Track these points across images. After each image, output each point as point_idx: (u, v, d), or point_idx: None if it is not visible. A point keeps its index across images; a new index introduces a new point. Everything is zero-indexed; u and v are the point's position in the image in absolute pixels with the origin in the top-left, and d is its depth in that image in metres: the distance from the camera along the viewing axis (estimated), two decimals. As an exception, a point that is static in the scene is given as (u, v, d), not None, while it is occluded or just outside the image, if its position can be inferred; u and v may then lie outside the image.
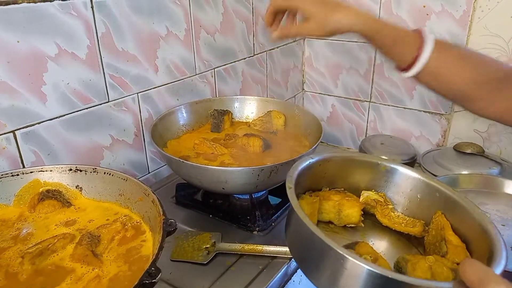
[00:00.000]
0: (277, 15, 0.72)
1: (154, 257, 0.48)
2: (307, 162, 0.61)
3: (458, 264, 0.51)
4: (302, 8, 0.66)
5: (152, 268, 0.46)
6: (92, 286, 0.50)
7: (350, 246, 0.58)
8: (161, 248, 0.50)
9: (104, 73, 0.83)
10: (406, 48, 0.67)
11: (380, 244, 0.63)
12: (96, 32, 0.80)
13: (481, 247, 0.52)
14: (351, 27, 0.65)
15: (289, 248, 0.56)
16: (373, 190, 0.66)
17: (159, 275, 0.46)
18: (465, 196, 0.60)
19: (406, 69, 0.68)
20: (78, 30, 0.77)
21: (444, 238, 0.55)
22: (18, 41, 0.69)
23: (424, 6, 1.24)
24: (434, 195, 0.62)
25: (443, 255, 0.54)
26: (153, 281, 0.45)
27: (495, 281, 0.36)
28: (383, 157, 0.70)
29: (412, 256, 0.54)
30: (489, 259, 0.48)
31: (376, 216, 0.66)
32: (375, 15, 0.69)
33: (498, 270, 0.45)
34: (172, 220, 0.54)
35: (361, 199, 0.65)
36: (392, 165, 0.66)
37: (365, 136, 1.48)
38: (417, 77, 0.69)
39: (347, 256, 0.44)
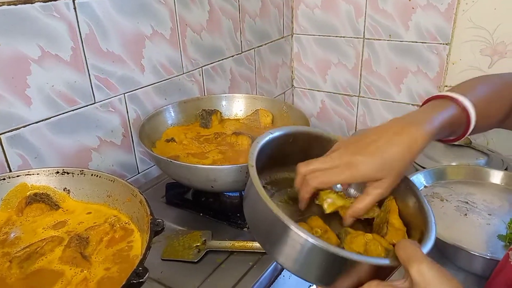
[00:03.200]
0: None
1: (141, 257, 0.48)
2: (267, 138, 0.60)
3: (394, 245, 0.51)
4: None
5: (140, 268, 0.46)
6: (80, 288, 0.50)
7: (303, 220, 0.58)
8: (148, 248, 0.50)
9: (89, 74, 0.82)
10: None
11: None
12: (80, 33, 0.79)
13: (419, 229, 0.54)
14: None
15: (247, 221, 0.57)
16: (332, 192, 0.61)
17: (147, 275, 0.46)
18: (410, 180, 0.59)
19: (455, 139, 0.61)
20: (61, 31, 0.76)
21: (387, 221, 0.56)
22: None
23: (409, 0, 1.25)
24: None
25: (383, 236, 0.54)
26: (140, 280, 0.45)
27: (419, 259, 0.41)
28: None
29: (354, 231, 0.55)
30: (421, 239, 0.50)
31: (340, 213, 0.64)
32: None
33: (425, 249, 0.47)
34: (160, 220, 0.54)
35: (327, 209, 0.59)
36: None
37: (355, 130, 1.49)
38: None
39: (291, 226, 0.45)
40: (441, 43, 1.25)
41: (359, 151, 0.51)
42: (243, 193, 0.85)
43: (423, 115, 0.54)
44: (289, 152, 0.65)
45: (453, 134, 0.59)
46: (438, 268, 0.41)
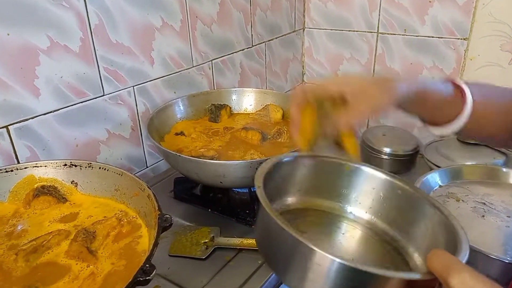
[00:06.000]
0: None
1: (149, 253, 0.47)
2: (274, 162, 0.59)
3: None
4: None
5: (147, 265, 0.45)
6: (87, 284, 0.49)
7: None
8: (156, 244, 0.49)
9: (98, 66, 0.81)
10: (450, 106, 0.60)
11: None
12: (89, 24, 0.78)
13: (446, 242, 0.52)
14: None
15: (257, 246, 0.55)
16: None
17: (154, 272, 0.45)
18: (426, 193, 0.60)
19: (440, 124, 0.62)
20: (70, 22, 0.75)
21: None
22: (8, 34, 0.67)
23: (426, -7, 1.21)
24: (396, 193, 0.62)
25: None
26: (147, 278, 0.44)
27: (460, 268, 0.38)
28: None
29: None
30: (454, 251, 0.48)
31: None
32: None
33: (463, 258, 0.45)
34: (168, 216, 0.53)
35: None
36: (356, 165, 0.65)
37: (367, 127, 1.46)
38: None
39: (315, 249, 0.43)
40: (458, 38, 1.22)
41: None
42: (252, 190, 0.83)
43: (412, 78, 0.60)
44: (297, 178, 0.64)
45: (447, 114, 0.60)
46: (481, 277, 0.38)
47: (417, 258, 0.58)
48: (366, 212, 0.65)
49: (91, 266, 0.52)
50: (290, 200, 0.65)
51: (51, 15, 0.72)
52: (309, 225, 0.63)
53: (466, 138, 0.65)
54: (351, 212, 0.65)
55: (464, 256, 0.45)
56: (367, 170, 0.65)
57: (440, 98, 0.59)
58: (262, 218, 0.53)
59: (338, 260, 0.42)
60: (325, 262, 0.43)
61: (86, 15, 0.77)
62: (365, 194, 0.65)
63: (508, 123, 0.62)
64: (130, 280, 0.43)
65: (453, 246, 0.49)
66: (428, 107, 0.60)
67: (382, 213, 0.64)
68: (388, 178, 0.64)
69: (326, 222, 0.64)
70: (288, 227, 0.45)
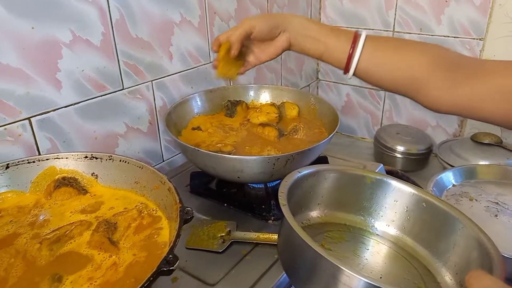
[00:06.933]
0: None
1: (171, 244, 0.47)
2: (295, 177, 0.59)
3: None
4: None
5: (170, 256, 0.46)
6: (109, 274, 0.50)
7: None
8: (178, 236, 0.49)
9: (118, 60, 0.82)
10: (343, 42, 0.66)
11: None
12: (111, 19, 0.79)
13: (480, 258, 0.51)
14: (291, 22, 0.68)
15: (279, 257, 0.55)
16: None
17: (177, 263, 0.45)
18: (453, 206, 0.59)
19: (346, 69, 0.66)
20: (92, 16, 0.76)
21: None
22: (32, 28, 0.68)
23: (443, -8, 1.21)
24: (421, 206, 0.61)
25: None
26: (171, 268, 0.45)
27: None
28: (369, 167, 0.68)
29: None
30: (488, 270, 0.47)
31: None
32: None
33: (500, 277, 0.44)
34: (189, 208, 0.54)
35: None
36: (378, 177, 0.64)
37: (380, 125, 1.46)
38: (358, 74, 0.67)
39: (342, 267, 0.43)
40: (474, 38, 1.21)
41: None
42: (268, 185, 0.84)
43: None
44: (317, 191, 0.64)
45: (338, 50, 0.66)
46: None
47: (445, 273, 0.56)
48: (389, 226, 0.64)
49: (113, 257, 0.53)
50: (312, 214, 0.65)
51: (74, 10, 0.73)
52: (332, 241, 0.62)
53: (374, 85, 0.70)
54: (374, 226, 0.64)
55: (500, 276, 0.44)
56: (390, 182, 0.63)
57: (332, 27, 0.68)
58: (288, 235, 0.52)
59: (368, 280, 0.41)
60: (351, 280, 0.42)
61: (108, 10, 0.78)
62: (388, 207, 0.64)
63: (410, 57, 0.63)
64: (154, 270, 0.44)
65: (487, 264, 0.48)
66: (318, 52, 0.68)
67: (406, 226, 0.62)
68: (412, 190, 0.62)
69: (350, 237, 0.63)
70: (321, 250, 0.45)
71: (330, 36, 0.66)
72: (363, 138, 1.53)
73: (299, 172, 0.60)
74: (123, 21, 0.81)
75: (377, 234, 0.64)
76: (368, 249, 0.62)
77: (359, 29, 0.66)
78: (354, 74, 0.66)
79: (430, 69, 0.60)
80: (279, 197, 0.54)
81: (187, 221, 0.53)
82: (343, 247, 0.61)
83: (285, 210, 0.51)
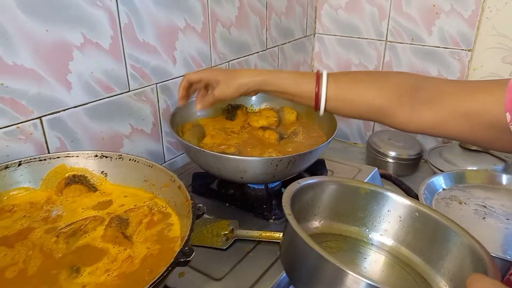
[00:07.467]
0: (189, 88, 0.81)
1: (187, 237, 0.50)
2: (296, 188, 0.61)
3: None
4: (212, 77, 0.77)
5: (186, 248, 0.49)
6: (126, 265, 0.53)
7: None
8: (192, 229, 0.52)
9: (125, 63, 0.85)
10: (307, 86, 0.71)
11: None
12: (120, 23, 0.82)
13: (470, 263, 0.54)
14: (254, 78, 0.73)
15: (282, 264, 0.57)
16: None
17: (193, 254, 0.48)
18: (444, 215, 0.61)
19: (316, 106, 0.71)
20: (102, 20, 0.79)
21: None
22: (46, 30, 0.71)
23: (433, 5, 1.26)
24: (414, 216, 0.63)
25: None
26: (187, 259, 0.48)
27: None
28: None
29: None
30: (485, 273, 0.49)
31: None
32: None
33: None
34: (201, 205, 0.56)
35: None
36: (372, 188, 0.65)
37: (372, 131, 1.51)
38: (329, 109, 0.71)
39: (346, 270, 0.45)
40: (463, 49, 1.27)
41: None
42: (268, 186, 0.87)
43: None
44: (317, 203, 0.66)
45: (306, 93, 0.71)
46: None
47: (440, 280, 0.58)
48: (383, 236, 0.65)
49: (128, 250, 0.56)
50: (309, 224, 0.66)
51: (86, 14, 0.75)
52: (331, 251, 0.63)
53: (347, 116, 0.75)
54: (369, 236, 0.66)
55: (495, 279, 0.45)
56: (383, 192, 0.65)
57: (295, 74, 0.74)
58: (293, 241, 0.54)
59: (369, 282, 0.43)
60: (355, 283, 0.44)
61: (117, 15, 0.81)
62: (382, 217, 0.65)
63: (373, 88, 0.67)
64: (172, 260, 0.47)
65: (481, 269, 0.50)
66: (288, 82, 0.73)
67: (400, 236, 0.64)
68: (404, 200, 0.64)
69: (347, 247, 0.65)
70: (328, 255, 0.46)
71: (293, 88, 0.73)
72: (355, 143, 1.58)
73: (299, 184, 0.62)
74: (131, 25, 0.84)
75: (373, 244, 0.65)
76: (365, 258, 0.63)
77: (320, 70, 0.71)
78: (325, 111, 0.71)
79: (392, 98, 0.65)
80: (283, 207, 0.55)
81: (199, 217, 0.55)
82: (341, 256, 0.63)
83: (291, 219, 0.52)
